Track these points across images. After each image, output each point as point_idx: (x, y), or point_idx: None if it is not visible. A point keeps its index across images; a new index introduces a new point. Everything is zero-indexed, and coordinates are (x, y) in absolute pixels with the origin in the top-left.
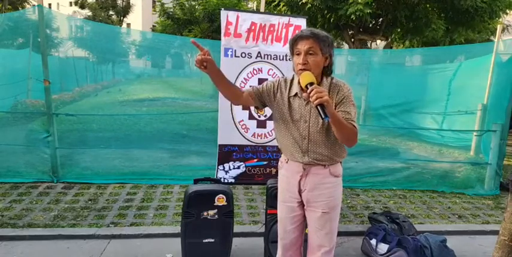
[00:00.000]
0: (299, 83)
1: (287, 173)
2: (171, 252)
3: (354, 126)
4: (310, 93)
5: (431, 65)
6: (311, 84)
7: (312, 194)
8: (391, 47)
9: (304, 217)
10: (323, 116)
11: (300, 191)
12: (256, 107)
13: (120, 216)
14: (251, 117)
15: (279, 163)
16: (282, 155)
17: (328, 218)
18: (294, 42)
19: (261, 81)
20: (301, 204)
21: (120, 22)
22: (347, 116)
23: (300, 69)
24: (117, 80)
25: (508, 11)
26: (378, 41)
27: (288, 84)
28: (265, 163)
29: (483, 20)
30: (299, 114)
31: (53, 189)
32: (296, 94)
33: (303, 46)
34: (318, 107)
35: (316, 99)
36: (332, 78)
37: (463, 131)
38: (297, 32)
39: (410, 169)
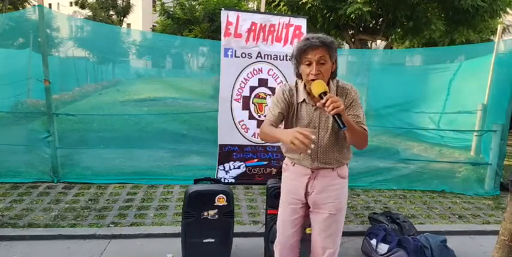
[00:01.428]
0: (305, 87)
1: (293, 176)
2: (172, 252)
3: (365, 129)
4: (325, 103)
5: (431, 65)
6: (324, 93)
7: (320, 196)
8: (391, 47)
9: (303, 219)
10: (342, 126)
11: (306, 194)
12: None
13: (121, 216)
14: (251, 117)
15: (284, 165)
16: (286, 159)
17: (334, 220)
18: (303, 52)
19: (261, 81)
20: (304, 206)
21: (121, 22)
22: (357, 119)
23: (312, 80)
24: (117, 80)
25: (508, 10)
26: (378, 41)
27: (294, 91)
28: (265, 163)
29: (484, 19)
30: (307, 121)
31: (53, 189)
32: (304, 100)
33: (313, 56)
34: (336, 117)
35: (332, 109)
36: (338, 81)
37: (463, 131)
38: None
39: (411, 169)
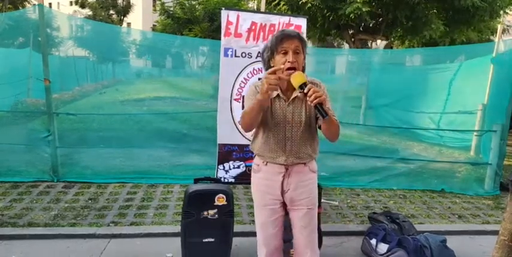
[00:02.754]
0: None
1: (266, 176)
2: (171, 252)
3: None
4: (307, 93)
5: (431, 65)
6: (304, 84)
7: (295, 192)
8: (391, 47)
9: (283, 218)
10: (324, 115)
11: (282, 192)
12: None
13: (120, 215)
14: None
15: (254, 166)
16: (257, 158)
17: (312, 215)
18: (279, 41)
19: None
20: (282, 205)
21: (121, 21)
22: (330, 112)
23: (289, 68)
24: (117, 80)
25: (508, 10)
26: (378, 41)
27: None
28: None
29: (483, 19)
30: (282, 116)
31: (53, 188)
32: (278, 95)
33: (290, 45)
34: (318, 106)
35: (315, 99)
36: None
37: (463, 131)
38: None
39: (411, 168)
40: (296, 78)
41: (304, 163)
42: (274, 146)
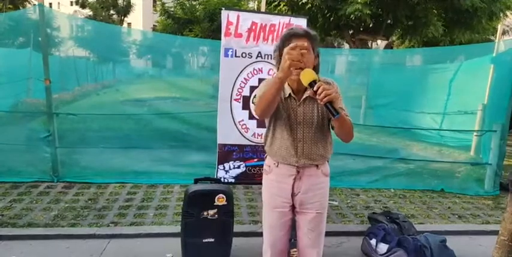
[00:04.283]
0: (288, 84)
1: (277, 178)
2: (171, 252)
3: (350, 120)
4: (316, 91)
5: (431, 65)
6: (314, 81)
7: (306, 196)
8: (391, 47)
9: (291, 221)
10: (335, 114)
11: (292, 195)
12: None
13: (120, 216)
14: (251, 117)
15: (266, 167)
16: (269, 159)
17: (321, 218)
18: (287, 40)
19: (261, 81)
20: (292, 208)
21: (121, 22)
22: (343, 111)
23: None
24: (117, 80)
25: (507, 12)
26: (379, 41)
27: None
28: None
29: (480, 21)
30: (293, 117)
31: (53, 189)
32: (290, 95)
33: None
34: (328, 105)
35: (325, 96)
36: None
37: (463, 131)
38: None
39: (411, 168)
40: (306, 76)
41: (317, 165)
42: (285, 147)
